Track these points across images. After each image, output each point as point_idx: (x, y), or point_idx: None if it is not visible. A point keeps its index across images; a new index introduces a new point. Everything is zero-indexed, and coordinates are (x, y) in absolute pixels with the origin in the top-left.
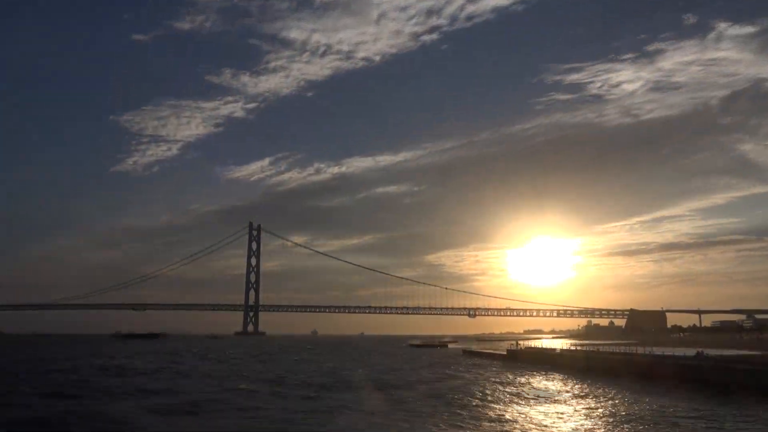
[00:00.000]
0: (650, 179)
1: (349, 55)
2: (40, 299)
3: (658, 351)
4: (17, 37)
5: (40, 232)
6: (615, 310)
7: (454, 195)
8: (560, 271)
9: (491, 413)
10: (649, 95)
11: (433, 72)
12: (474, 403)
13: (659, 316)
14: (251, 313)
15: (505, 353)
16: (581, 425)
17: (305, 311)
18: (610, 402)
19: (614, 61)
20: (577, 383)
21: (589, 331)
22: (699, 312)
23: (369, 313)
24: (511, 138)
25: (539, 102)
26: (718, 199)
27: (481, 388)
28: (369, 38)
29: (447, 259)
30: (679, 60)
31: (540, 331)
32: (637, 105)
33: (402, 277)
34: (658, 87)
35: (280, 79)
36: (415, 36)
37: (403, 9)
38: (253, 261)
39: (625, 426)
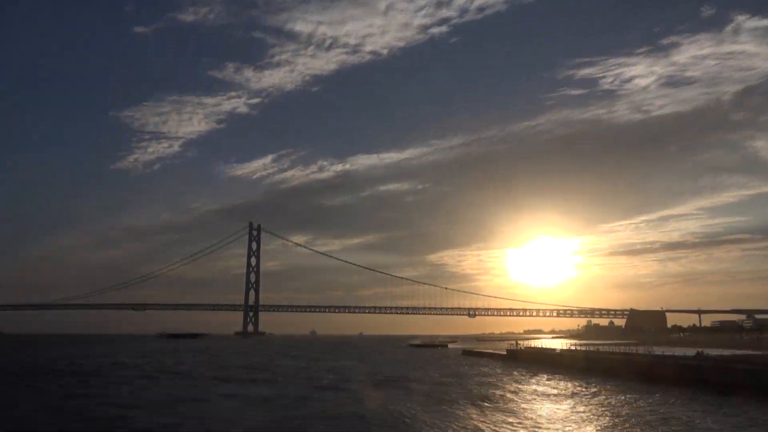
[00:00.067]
0: (658, 177)
1: (355, 49)
2: (40, 299)
3: (658, 351)
4: (17, 35)
5: (40, 232)
6: (615, 310)
7: (458, 193)
8: (563, 271)
9: (491, 413)
10: (661, 90)
11: (442, 66)
12: (473, 403)
13: (659, 316)
14: (251, 313)
15: (504, 353)
16: (581, 425)
17: (305, 311)
18: (610, 402)
19: (628, 54)
20: (577, 383)
21: (589, 331)
22: (699, 312)
23: (369, 313)
24: (519, 135)
25: (549, 97)
26: (727, 197)
27: (480, 388)
28: (377, 31)
29: (449, 258)
30: (694, 54)
31: (540, 331)
32: (649, 101)
33: (401, 277)
34: (670, 82)
35: (284, 73)
36: (424, 28)
37: (412, 0)
38: (253, 261)
39: (625, 426)
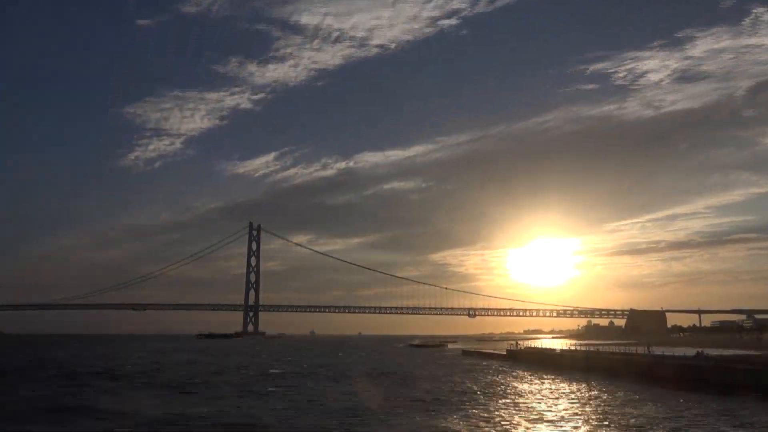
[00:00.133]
0: (666, 175)
1: (362, 42)
2: (40, 299)
3: (658, 351)
4: (16, 34)
5: (40, 232)
6: (615, 310)
7: (463, 192)
8: (566, 271)
9: (490, 413)
10: (673, 86)
11: (451, 60)
12: (473, 404)
13: (659, 316)
14: (251, 313)
15: (504, 353)
16: (581, 425)
17: (305, 311)
18: (610, 402)
19: (642, 48)
20: (576, 383)
21: (589, 331)
22: (699, 312)
23: (369, 313)
24: (526, 132)
25: (559, 93)
26: (736, 196)
27: (479, 388)
28: (384, 23)
29: (452, 258)
30: (710, 47)
31: (540, 331)
32: (661, 96)
33: (401, 277)
34: (684, 77)
35: (288, 68)
36: (433, 20)
37: None
38: (253, 261)
39: (625, 426)
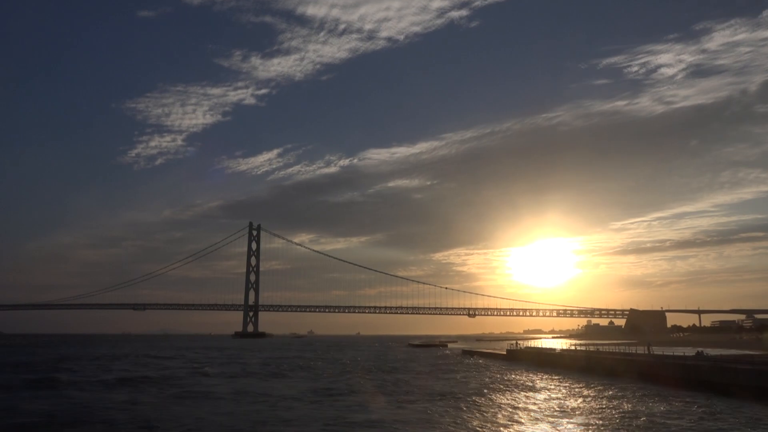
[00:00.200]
0: (676, 173)
1: (370, 35)
2: (40, 299)
3: (658, 351)
4: (16, 32)
5: (40, 230)
6: (615, 310)
7: (467, 190)
8: (571, 271)
9: (489, 414)
10: (687, 81)
11: (461, 53)
12: (471, 404)
13: (659, 316)
14: (251, 313)
15: (504, 353)
16: (580, 425)
17: (305, 311)
18: (610, 402)
19: (657, 41)
20: (576, 383)
21: (589, 331)
22: (699, 312)
23: (369, 313)
24: (535, 128)
25: (571, 88)
26: (745, 194)
27: (479, 389)
28: (393, 14)
29: (456, 257)
30: (726, 40)
31: (540, 331)
32: (673, 92)
33: (402, 277)
34: (699, 71)
35: (293, 61)
36: (443, 12)
37: None
38: (253, 261)
39: (625, 426)
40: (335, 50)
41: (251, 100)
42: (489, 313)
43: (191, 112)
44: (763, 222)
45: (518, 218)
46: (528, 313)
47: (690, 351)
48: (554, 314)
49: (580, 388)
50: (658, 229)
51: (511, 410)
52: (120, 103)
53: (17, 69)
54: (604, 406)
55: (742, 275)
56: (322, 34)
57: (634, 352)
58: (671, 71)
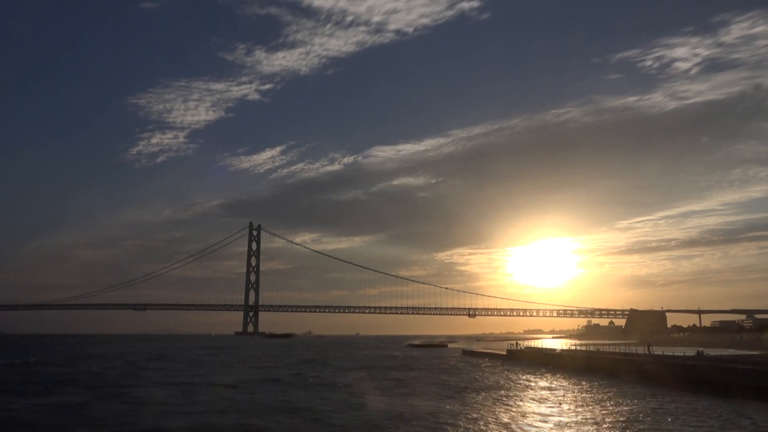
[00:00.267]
0: (685, 170)
1: (378, 27)
2: (40, 299)
3: (658, 351)
4: (16, 30)
5: (40, 230)
6: (615, 310)
7: (472, 189)
8: (574, 270)
9: (489, 413)
10: (702, 75)
11: (470, 47)
12: (471, 404)
13: (659, 316)
14: (251, 313)
15: (504, 353)
16: (580, 425)
17: (304, 311)
18: (610, 402)
19: (673, 34)
20: (576, 383)
21: (589, 331)
22: (699, 312)
23: (369, 313)
24: (544, 124)
25: (582, 83)
26: (755, 192)
27: (478, 388)
28: (402, 6)
29: (459, 257)
30: (744, 33)
31: (540, 332)
32: (686, 87)
33: (402, 277)
34: (714, 65)
35: (299, 55)
36: (454, 3)
37: None
38: (253, 261)
39: (625, 426)
40: (342, 43)
41: (255, 96)
42: (489, 313)
43: (193, 108)
44: None
45: (522, 217)
46: (528, 314)
47: (690, 351)
48: (554, 314)
49: (580, 388)
50: (665, 228)
51: (510, 410)
52: (122, 100)
53: (17, 69)
54: (604, 406)
55: (746, 275)
56: (328, 26)
57: (634, 352)
58: (686, 65)
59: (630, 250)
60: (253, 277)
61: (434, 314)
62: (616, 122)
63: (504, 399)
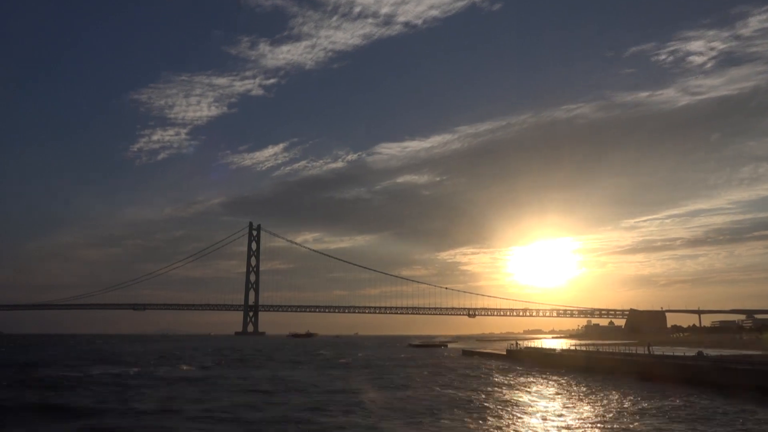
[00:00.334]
0: (694, 167)
1: (387, 19)
2: (40, 299)
3: (658, 351)
4: (16, 30)
5: (40, 229)
6: (615, 310)
7: (476, 187)
8: (576, 270)
9: (489, 413)
10: (716, 70)
11: (481, 39)
12: (471, 404)
13: (659, 316)
14: (251, 313)
15: (504, 353)
16: (580, 425)
17: (304, 311)
18: (610, 402)
19: (690, 27)
20: (576, 383)
21: (589, 331)
22: (699, 312)
23: (368, 313)
24: (552, 120)
25: (594, 78)
26: (765, 190)
27: (479, 389)
28: None
29: (462, 256)
30: (763, 26)
31: (540, 331)
32: (700, 81)
33: (402, 277)
34: (730, 59)
35: (304, 48)
36: None
37: None
38: (253, 261)
39: (625, 426)
40: (349, 36)
41: (258, 91)
42: (489, 313)
43: (195, 103)
44: None
45: (525, 217)
46: (528, 314)
47: (690, 351)
48: (554, 314)
49: (580, 388)
50: (671, 227)
51: (510, 409)
52: (123, 96)
53: (17, 69)
54: (604, 406)
55: (750, 274)
56: (335, 18)
57: (634, 352)
58: (701, 59)
59: (634, 249)
60: (252, 277)
61: (434, 314)
62: (627, 118)
63: (503, 399)
